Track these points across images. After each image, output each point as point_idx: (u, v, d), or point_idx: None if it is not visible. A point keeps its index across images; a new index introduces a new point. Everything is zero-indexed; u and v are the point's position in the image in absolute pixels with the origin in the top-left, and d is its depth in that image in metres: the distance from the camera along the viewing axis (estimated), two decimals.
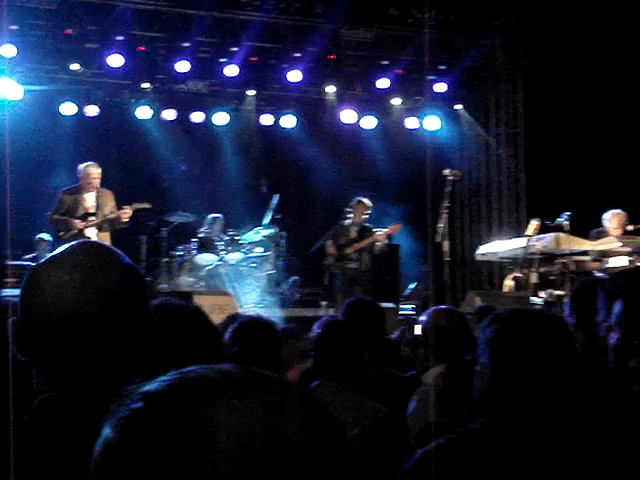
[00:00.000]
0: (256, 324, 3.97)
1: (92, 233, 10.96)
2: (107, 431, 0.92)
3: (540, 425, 2.11)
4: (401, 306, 13.03)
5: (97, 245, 1.80)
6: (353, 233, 12.67)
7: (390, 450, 3.94)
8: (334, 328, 4.24)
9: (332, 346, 4.13)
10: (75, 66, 14.38)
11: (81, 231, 10.89)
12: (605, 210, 11.20)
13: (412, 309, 13.13)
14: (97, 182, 11.03)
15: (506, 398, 2.21)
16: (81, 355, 1.61)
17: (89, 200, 11.06)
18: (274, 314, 10.54)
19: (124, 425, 0.91)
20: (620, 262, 10.30)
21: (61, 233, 11.02)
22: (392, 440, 4.04)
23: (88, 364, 1.62)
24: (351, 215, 12.76)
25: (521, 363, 2.24)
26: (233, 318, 4.36)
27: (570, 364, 2.27)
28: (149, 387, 0.94)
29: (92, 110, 15.08)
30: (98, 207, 10.94)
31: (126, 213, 11.03)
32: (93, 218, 10.96)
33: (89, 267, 1.66)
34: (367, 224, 12.78)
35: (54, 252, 1.74)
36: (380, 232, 12.55)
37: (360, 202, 12.73)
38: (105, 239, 10.86)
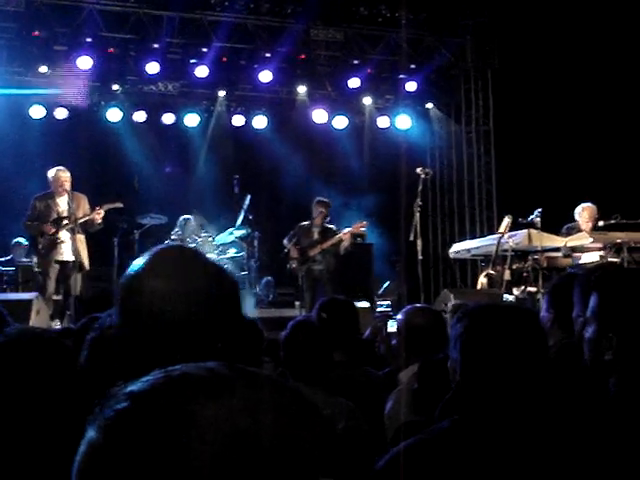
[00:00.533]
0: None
1: (66, 236, 10.90)
2: (91, 433, 0.92)
3: (509, 423, 2.11)
4: (378, 302, 13.03)
5: (192, 252, 1.81)
6: (315, 234, 12.50)
7: (363, 449, 3.93)
8: (301, 328, 4.21)
9: (300, 346, 4.11)
10: (43, 69, 14.27)
11: (56, 235, 10.82)
12: (575, 206, 11.30)
13: (388, 306, 13.14)
14: (68, 185, 10.95)
15: (475, 395, 2.20)
16: (186, 361, 1.59)
17: (61, 204, 10.99)
18: (248, 315, 10.50)
19: (108, 426, 0.91)
20: (591, 258, 10.36)
21: (39, 240, 10.97)
22: (365, 439, 4.04)
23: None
24: (313, 216, 12.59)
25: (490, 358, 2.23)
26: None
27: (541, 358, 2.27)
28: (133, 387, 0.93)
29: (61, 113, 14.97)
30: (71, 210, 10.86)
31: (98, 214, 10.97)
32: (66, 222, 10.89)
33: (192, 275, 1.68)
34: (329, 224, 12.59)
35: (144, 258, 1.73)
36: (345, 231, 12.42)
37: (321, 202, 12.51)
38: (81, 242, 10.83)
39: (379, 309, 12.48)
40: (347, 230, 12.40)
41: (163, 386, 0.93)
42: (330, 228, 12.50)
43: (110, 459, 0.89)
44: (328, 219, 12.54)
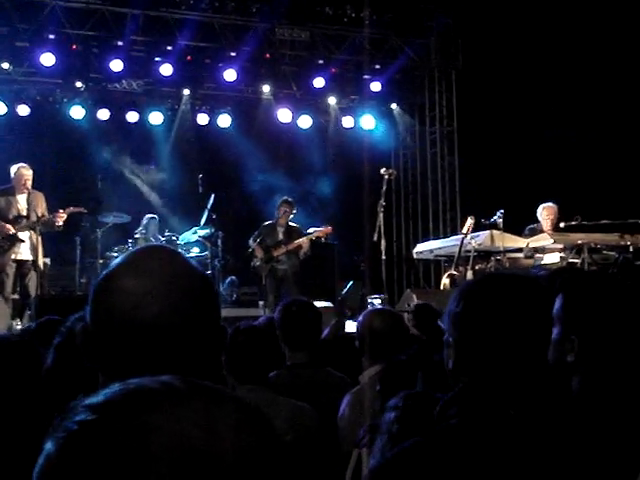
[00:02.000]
0: None
1: (24, 235, 10.77)
2: (48, 445, 0.91)
3: (515, 422, 2.07)
4: (369, 297, 12.99)
5: (171, 253, 1.75)
6: (280, 234, 12.51)
7: (315, 450, 3.96)
8: (241, 332, 4.21)
9: (239, 350, 4.10)
10: (5, 65, 14.13)
11: (14, 234, 10.69)
12: (537, 207, 11.40)
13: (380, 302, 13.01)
14: (29, 183, 10.82)
15: (480, 391, 2.15)
16: (158, 364, 1.56)
17: (21, 202, 10.86)
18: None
19: (64, 438, 0.90)
20: (553, 259, 10.47)
21: None
22: (316, 439, 4.06)
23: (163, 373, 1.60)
24: (277, 215, 12.59)
25: (494, 336, 2.14)
26: None
27: (546, 335, 2.22)
28: (90, 400, 0.93)
29: (23, 110, 14.83)
30: (30, 209, 10.74)
31: (60, 217, 10.84)
32: (25, 220, 10.77)
33: (168, 276, 1.64)
34: (293, 224, 12.62)
35: (124, 257, 1.70)
36: (311, 233, 12.44)
37: (285, 202, 12.50)
38: (38, 241, 10.69)
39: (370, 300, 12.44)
40: (313, 232, 12.43)
41: (119, 398, 0.93)
42: (295, 227, 12.52)
43: (64, 472, 0.89)
44: (291, 217, 12.55)
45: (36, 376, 1.94)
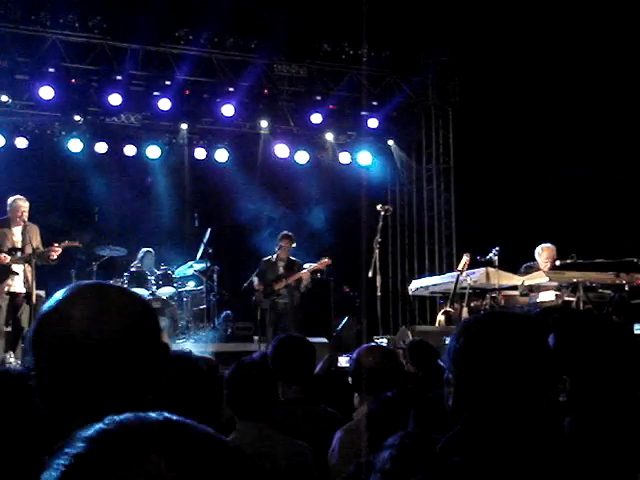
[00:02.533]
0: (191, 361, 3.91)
1: (18, 268, 10.74)
2: (47, 475, 0.97)
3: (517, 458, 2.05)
4: (375, 338, 12.96)
5: (109, 285, 1.86)
6: (280, 268, 12.56)
7: None
8: (243, 367, 4.20)
9: (243, 385, 4.10)
10: (4, 97, 14.18)
11: (7, 266, 10.66)
12: (533, 245, 11.40)
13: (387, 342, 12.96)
14: (25, 215, 10.80)
15: (482, 429, 2.12)
16: (108, 382, 1.66)
17: (16, 234, 10.84)
18: (205, 349, 10.44)
19: (65, 468, 0.96)
20: (548, 297, 10.46)
21: None
22: (309, 476, 4.05)
23: (104, 400, 1.66)
24: (277, 250, 12.65)
25: (494, 373, 2.13)
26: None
27: (547, 376, 2.21)
28: (87, 433, 0.98)
29: (21, 142, 14.87)
30: (25, 241, 10.71)
31: (55, 251, 10.80)
32: (20, 253, 10.75)
33: (110, 305, 1.72)
34: (294, 258, 12.68)
35: (62, 292, 1.76)
36: (309, 267, 12.50)
37: (285, 236, 12.56)
38: (32, 273, 10.65)
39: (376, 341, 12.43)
40: (311, 266, 12.47)
41: (114, 433, 0.98)
42: (295, 261, 12.58)
43: None
44: (292, 251, 12.61)
45: (34, 410, 1.95)
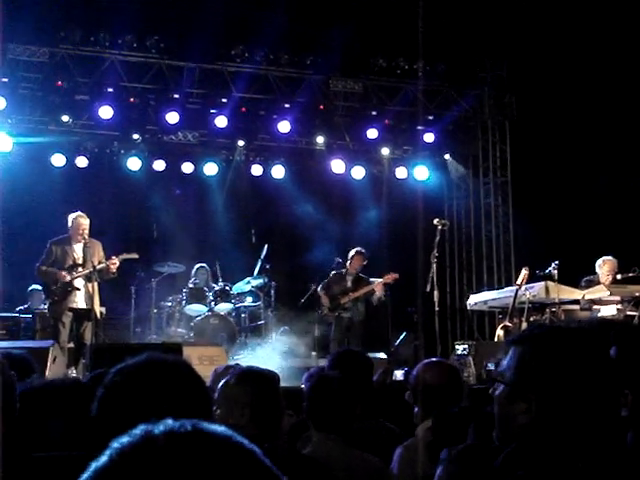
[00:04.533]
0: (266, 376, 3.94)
1: (80, 284, 10.92)
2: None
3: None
4: (456, 346, 13.02)
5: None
6: (348, 282, 12.78)
7: None
8: (326, 380, 4.23)
9: (324, 398, 4.11)
10: (65, 118, 14.43)
11: (70, 282, 10.84)
12: (594, 258, 11.24)
13: (464, 349, 13.00)
14: (86, 233, 10.99)
15: (544, 444, 2.08)
16: None
17: (77, 251, 11.02)
18: (264, 365, 10.46)
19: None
20: (610, 311, 10.30)
21: (53, 287, 10.95)
22: None
23: None
24: (347, 265, 12.83)
25: (558, 388, 2.09)
26: (229, 369, 4.37)
27: (609, 389, 2.16)
28: (117, 444, 1.02)
29: (82, 161, 15.09)
30: (86, 258, 10.88)
31: (114, 264, 10.96)
32: (81, 269, 10.92)
33: None
34: (361, 274, 12.86)
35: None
36: (376, 282, 12.61)
37: (358, 252, 12.80)
38: (94, 289, 10.81)
39: (457, 352, 12.53)
40: (378, 281, 12.55)
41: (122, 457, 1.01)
42: (363, 277, 12.83)
43: None
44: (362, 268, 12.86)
45: (85, 419, 2.00)
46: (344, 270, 12.87)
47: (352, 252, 12.83)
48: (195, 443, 1.00)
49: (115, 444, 1.00)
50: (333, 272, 12.94)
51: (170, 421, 1.02)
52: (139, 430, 1.02)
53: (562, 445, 2.06)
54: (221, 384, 3.84)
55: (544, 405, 2.12)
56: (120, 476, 0.97)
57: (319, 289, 12.87)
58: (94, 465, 1.00)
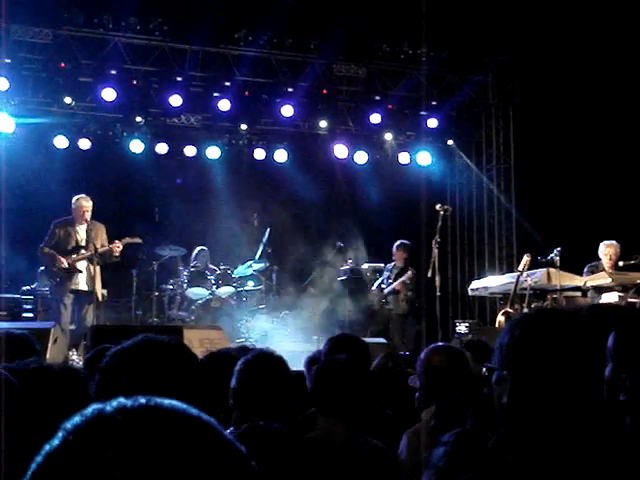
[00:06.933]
0: (268, 358, 3.95)
1: (82, 266, 10.94)
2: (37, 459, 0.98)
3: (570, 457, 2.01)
4: (457, 323, 13.36)
5: None
6: (393, 276, 13.14)
7: None
8: (333, 363, 4.23)
9: (331, 381, 4.11)
10: (68, 99, 14.41)
11: (72, 264, 10.86)
12: (596, 245, 11.22)
13: (467, 327, 13.30)
14: (88, 215, 11.00)
15: (533, 427, 2.08)
16: None
17: (80, 233, 11.04)
18: (265, 348, 10.47)
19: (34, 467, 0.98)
20: (611, 298, 10.30)
21: (54, 269, 10.98)
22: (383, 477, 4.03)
23: None
24: (394, 258, 13.26)
25: (549, 371, 2.08)
26: (244, 350, 4.42)
27: (599, 375, 2.16)
28: (69, 424, 0.99)
29: (84, 143, 15.07)
30: (89, 240, 10.90)
31: (117, 247, 10.99)
32: (84, 251, 10.93)
33: None
34: (404, 266, 13.14)
35: None
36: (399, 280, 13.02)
37: (402, 245, 13.12)
38: (96, 272, 10.83)
39: (457, 330, 12.97)
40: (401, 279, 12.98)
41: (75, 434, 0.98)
42: (406, 269, 13.07)
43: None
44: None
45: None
46: (392, 264, 13.30)
47: (397, 244, 13.21)
48: (150, 417, 0.97)
49: (67, 424, 0.97)
50: (386, 266, 13.43)
51: (122, 398, 0.99)
52: (91, 409, 0.99)
53: (537, 427, 2.06)
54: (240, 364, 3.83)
55: (518, 385, 2.13)
56: (74, 455, 0.94)
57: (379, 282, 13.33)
58: (46, 447, 0.96)
